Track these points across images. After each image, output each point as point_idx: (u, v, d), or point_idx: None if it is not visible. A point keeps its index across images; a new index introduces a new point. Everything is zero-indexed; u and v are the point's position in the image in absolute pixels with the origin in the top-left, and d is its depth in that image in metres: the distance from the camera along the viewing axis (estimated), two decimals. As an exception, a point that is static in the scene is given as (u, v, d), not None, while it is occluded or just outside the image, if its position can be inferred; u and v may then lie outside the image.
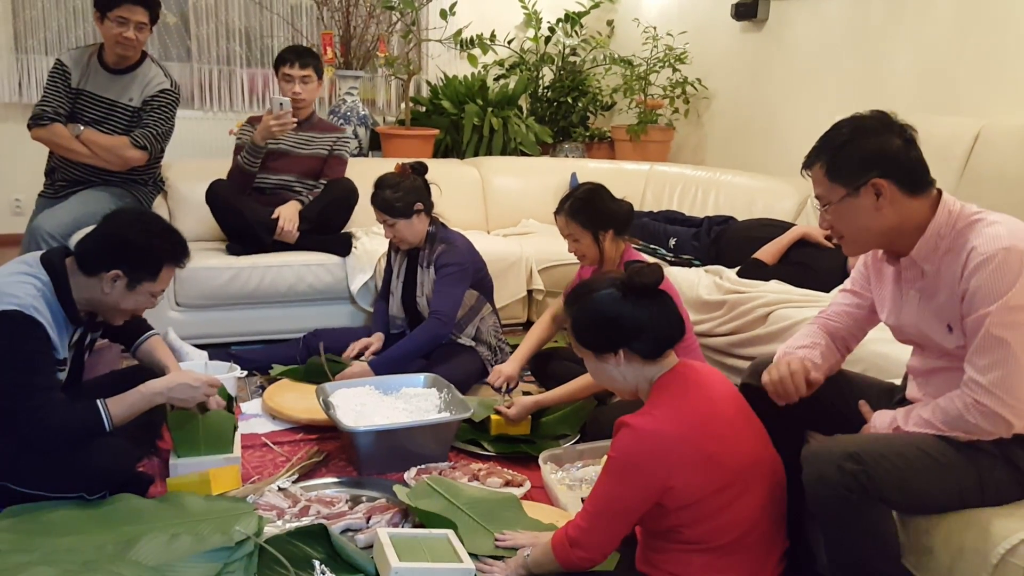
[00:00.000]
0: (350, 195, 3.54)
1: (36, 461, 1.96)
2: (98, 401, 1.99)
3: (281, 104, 3.32)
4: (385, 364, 2.82)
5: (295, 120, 3.38)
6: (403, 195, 2.93)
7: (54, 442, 1.94)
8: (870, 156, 1.61)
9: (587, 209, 2.56)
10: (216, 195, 3.38)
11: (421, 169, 3.04)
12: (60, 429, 1.93)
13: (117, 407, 2.01)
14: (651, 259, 2.84)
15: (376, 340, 3.08)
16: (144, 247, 2.04)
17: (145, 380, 2.14)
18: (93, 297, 2.05)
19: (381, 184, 2.97)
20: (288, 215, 3.39)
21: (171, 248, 2.10)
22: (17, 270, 2.00)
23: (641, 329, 1.66)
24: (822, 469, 1.54)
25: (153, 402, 2.08)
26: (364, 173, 3.75)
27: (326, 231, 3.50)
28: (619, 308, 1.67)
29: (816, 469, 1.55)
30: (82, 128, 3.28)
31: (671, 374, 1.69)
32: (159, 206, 3.62)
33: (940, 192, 1.66)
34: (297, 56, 3.50)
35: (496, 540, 1.91)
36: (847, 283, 1.95)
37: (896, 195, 1.61)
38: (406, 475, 2.30)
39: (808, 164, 1.70)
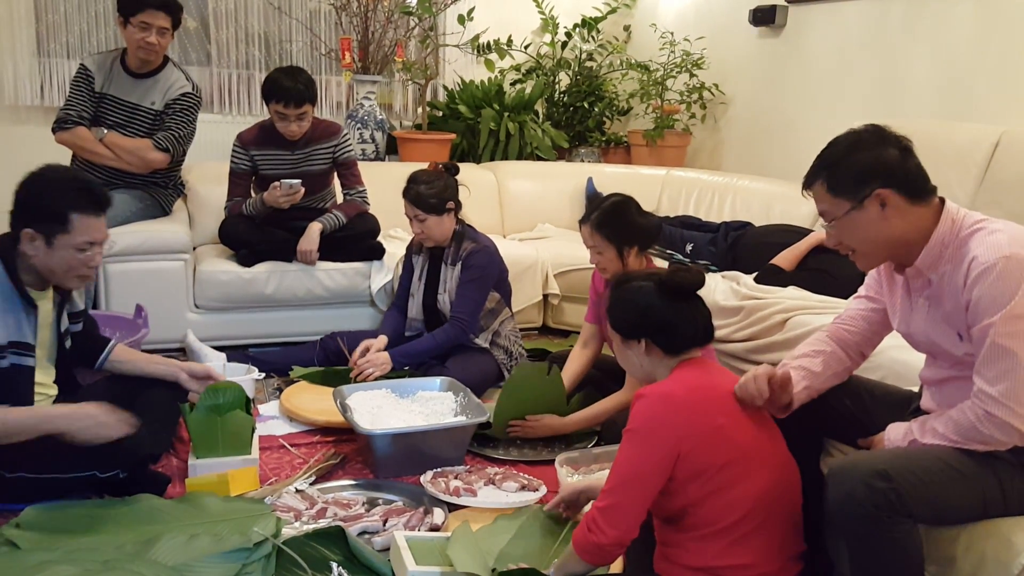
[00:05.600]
0: (369, 233, 3.52)
1: (48, 445, 1.94)
2: None
3: (291, 185, 3.26)
4: (403, 355, 2.94)
5: (303, 190, 3.30)
6: (437, 192, 2.94)
7: None
8: (869, 168, 1.62)
9: (614, 223, 2.50)
10: (228, 238, 3.42)
11: (453, 170, 3.07)
12: None
13: (12, 418, 1.90)
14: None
15: (380, 342, 3.02)
16: (40, 200, 1.95)
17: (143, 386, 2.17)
18: (32, 265, 2.00)
19: (416, 179, 2.98)
20: (306, 249, 3.35)
21: (73, 196, 1.97)
22: None
23: (667, 325, 1.72)
24: (850, 487, 1.51)
25: (45, 430, 1.93)
26: (381, 177, 3.78)
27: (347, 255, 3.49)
28: (650, 301, 1.74)
29: (844, 487, 1.53)
30: (105, 131, 3.32)
31: (689, 361, 1.74)
32: (179, 209, 3.65)
33: (943, 201, 1.66)
34: (292, 97, 3.22)
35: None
36: (861, 289, 1.95)
37: (900, 203, 1.62)
38: (422, 478, 2.31)
39: (808, 183, 1.71)
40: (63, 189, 1.96)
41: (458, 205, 3.03)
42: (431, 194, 2.93)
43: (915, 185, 1.63)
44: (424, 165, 3.15)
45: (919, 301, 1.71)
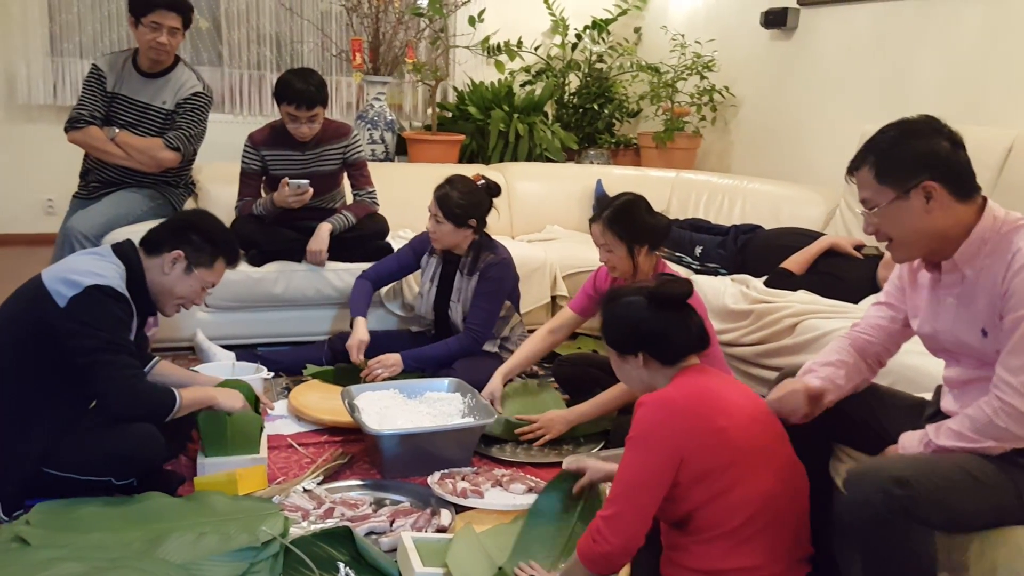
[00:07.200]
0: (378, 234, 3.50)
1: (73, 443, 2.01)
2: (174, 388, 2.13)
3: (299, 185, 3.26)
4: (416, 360, 2.93)
5: (311, 190, 3.29)
6: (466, 203, 2.93)
7: (127, 406, 2.02)
8: (920, 158, 1.60)
9: (625, 221, 2.49)
10: (239, 238, 3.36)
11: (494, 190, 3.05)
12: (138, 394, 2.04)
13: (187, 397, 2.14)
14: (682, 272, 2.81)
15: (363, 334, 3.01)
16: (209, 234, 2.23)
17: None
18: (152, 280, 2.17)
19: (452, 183, 2.96)
20: (315, 249, 3.35)
21: (229, 245, 2.30)
22: (96, 259, 2.12)
23: (661, 337, 1.74)
24: (868, 493, 1.50)
25: (207, 403, 2.23)
26: (390, 178, 3.78)
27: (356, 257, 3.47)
28: (642, 314, 1.76)
29: (861, 493, 1.51)
30: (117, 131, 3.34)
31: (688, 369, 1.75)
32: (190, 208, 3.66)
33: (985, 199, 1.64)
34: (304, 99, 3.21)
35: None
36: (881, 295, 1.93)
37: (945, 198, 1.60)
38: (429, 479, 2.31)
39: (854, 167, 1.68)
40: (226, 237, 2.30)
41: (480, 224, 3.01)
42: (458, 204, 2.92)
43: (962, 181, 1.61)
44: (467, 171, 3.09)
45: (948, 299, 1.69)
